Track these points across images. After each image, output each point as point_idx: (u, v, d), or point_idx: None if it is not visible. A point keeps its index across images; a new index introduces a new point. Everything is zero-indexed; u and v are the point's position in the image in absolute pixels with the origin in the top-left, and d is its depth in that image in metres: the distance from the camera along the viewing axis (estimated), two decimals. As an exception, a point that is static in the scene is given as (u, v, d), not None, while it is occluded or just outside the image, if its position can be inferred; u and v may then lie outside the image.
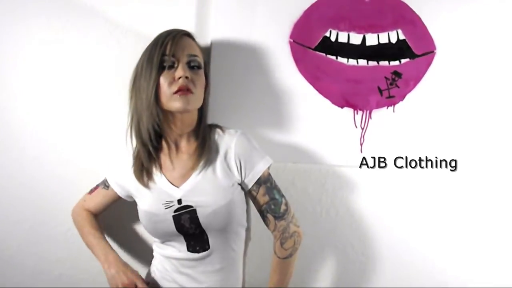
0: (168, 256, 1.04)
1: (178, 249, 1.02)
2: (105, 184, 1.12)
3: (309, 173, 1.25)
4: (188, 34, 1.03)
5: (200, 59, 1.01)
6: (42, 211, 1.24)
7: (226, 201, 0.98)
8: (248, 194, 1.04)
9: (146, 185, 1.02)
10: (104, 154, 1.21)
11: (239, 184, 1.02)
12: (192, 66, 0.98)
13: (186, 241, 1.00)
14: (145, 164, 1.02)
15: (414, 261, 1.29)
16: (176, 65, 0.96)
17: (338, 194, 1.26)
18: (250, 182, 1.01)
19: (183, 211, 0.98)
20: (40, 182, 1.23)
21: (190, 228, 0.98)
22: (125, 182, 1.07)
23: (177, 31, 1.00)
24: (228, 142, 1.01)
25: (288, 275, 1.07)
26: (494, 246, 1.29)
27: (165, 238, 1.02)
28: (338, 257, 1.29)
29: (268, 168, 1.04)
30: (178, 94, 0.94)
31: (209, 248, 1.00)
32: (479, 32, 1.25)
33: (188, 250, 1.01)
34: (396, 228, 1.28)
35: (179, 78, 0.94)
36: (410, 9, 1.23)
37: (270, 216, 1.03)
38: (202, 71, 1.01)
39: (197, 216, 0.97)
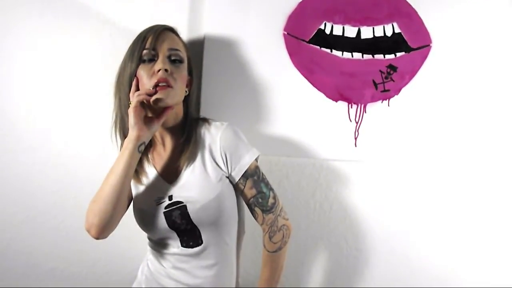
0: (164, 252, 1.04)
1: (172, 245, 1.02)
2: None
3: (303, 167, 1.25)
4: (170, 29, 1.02)
5: (182, 53, 1.00)
6: (36, 203, 1.24)
7: (215, 195, 0.97)
8: (236, 187, 1.03)
9: (139, 182, 1.02)
10: (99, 147, 1.21)
11: (227, 177, 1.01)
12: (173, 60, 0.97)
13: (179, 237, 1.00)
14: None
15: (408, 256, 1.29)
16: (156, 59, 0.95)
17: (332, 188, 1.26)
18: (237, 175, 1.00)
19: (174, 207, 0.97)
20: (34, 174, 1.22)
21: (181, 224, 0.98)
22: None
23: (159, 26, 0.99)
24: (214, 135, 1.00)
25: (279, 268, 1.07)
26: (487, 241, 1.29)
27: (158, 235, 1.02)
28: (331, 252, 1.29)
29: (256, 160, 1.03)
30: (157, 88, 0.92)
31: (202, 243, 1.00)
32: (475, 26, 1.24)
33: (182, 246, 1.00)
34: (390, 223, 1.28)
35: (159, 70, 0.93)
36: (406, 2, 1.22)
37: (257, 210, 1.02)
38: (184, 66, 1.00)
39: (188, 212, 0.97)
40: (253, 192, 1.01)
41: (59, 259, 1.26)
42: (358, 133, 1.25)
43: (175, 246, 1.01)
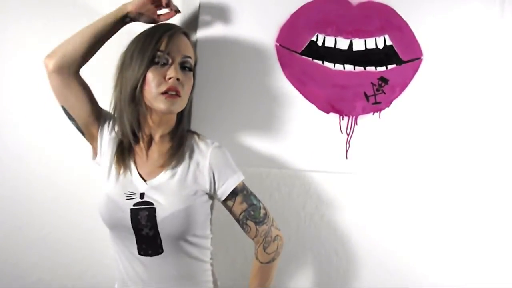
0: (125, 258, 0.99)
1: (130, 250, 0.97)
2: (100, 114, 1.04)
3: (294, 179, 1.24)
4: (185, 33, 0.99)
5: (193, 60, 0.98)
6: (21, 214, 1.21)
7: (185, 206, 0.94)
8: (223, 205, 1.02)
9: (119, 170, 0.98)
10: (88, 158, 1.18)
11: (207, 194, 0.99)
12: (184, 67, 0.96)
13: (137, 243, 0.96)
14: (125, 151, 0.99)
15: (398, 268, 1.29)
16: (169, 63, 0.93)
17: (323, 200, 1.26)
18: (223, 194, 0.99)
19: (143, 206, 0.95)
20: (21, 184, 1.20)
21: (145, 226, 0.94)
22: (107, 146, 1.02)
23: (175, 28, 0.97)
24: (203, 151, 0.99)
25: (269, 280, 1.06)
26: (478, 254, 1.30)
27: (117, 231, 0.97)
28: (321, 264, 1.28)
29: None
30: (165, 96, 0.91)
31: (162, 252, 0.96)
32: (466, 39, 1.25)
33: (139, 254, 0.96)
34: (380, 235, 1.28)
35: (170, 78, 0.92)
36: (398, 15, 1.23)
37: (250, 223, 1.01)
38: (191, 74, 0.98)
39: (155, 215, 0.94)
40: (244, 206, 1.00)
41: (45, 270, 1.23)
42: (349, 145, 1.25)
43: (133, 252, 0.97)
